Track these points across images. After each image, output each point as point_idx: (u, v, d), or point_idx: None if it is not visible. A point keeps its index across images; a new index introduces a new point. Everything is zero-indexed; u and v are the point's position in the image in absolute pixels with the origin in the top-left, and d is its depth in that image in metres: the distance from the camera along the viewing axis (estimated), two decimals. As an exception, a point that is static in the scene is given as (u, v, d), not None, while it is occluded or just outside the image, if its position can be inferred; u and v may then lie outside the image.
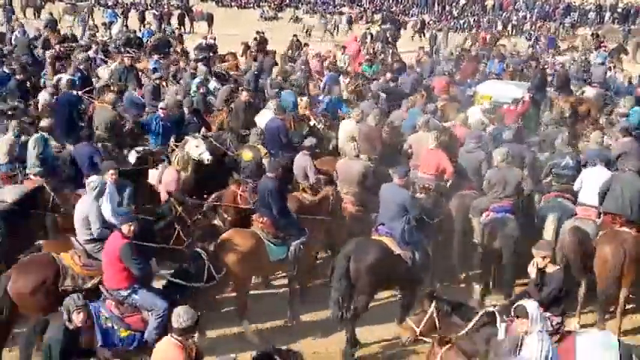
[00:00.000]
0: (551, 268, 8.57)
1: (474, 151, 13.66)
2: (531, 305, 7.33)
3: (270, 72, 24.26)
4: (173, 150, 14.27)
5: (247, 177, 12.85)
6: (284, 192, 11.65)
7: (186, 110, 15.84)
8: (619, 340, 8.40)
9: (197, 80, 19.56)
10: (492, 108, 18.63)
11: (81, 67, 19.62)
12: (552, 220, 12.18)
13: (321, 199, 12.32)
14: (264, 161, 13.39)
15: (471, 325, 8.38)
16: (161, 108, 14.80)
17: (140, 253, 9.05)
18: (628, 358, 8.05)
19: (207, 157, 13.52)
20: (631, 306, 12.03)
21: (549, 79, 24.30)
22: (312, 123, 17.10)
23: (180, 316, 7.38)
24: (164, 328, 8.56)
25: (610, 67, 28.08)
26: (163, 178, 12.44)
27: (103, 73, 21.13)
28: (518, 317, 7.29)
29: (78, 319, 7.71)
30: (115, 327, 8.69)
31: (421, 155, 13.62)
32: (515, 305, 7.44)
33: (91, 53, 23.05)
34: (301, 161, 13.25)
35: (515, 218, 12.00)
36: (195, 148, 13.57)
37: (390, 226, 10.70)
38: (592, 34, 43.35)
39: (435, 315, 8.50)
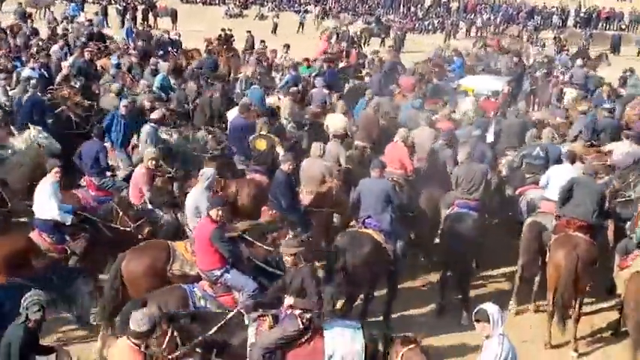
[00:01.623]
0: (299, 265, 8.45)
1: (442, 149, 14.14)
2: (492, 308, 7.22)
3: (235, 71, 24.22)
4: (134, 147, 14.14)
5: (258, 165, 13.39)
6: (293, 186, 11.86)
7: (147, 105, 15.70)
8: (362, 325, 8.64)
9: (160, 77, 19.41)
10: (475, 100, 19.79)
11: (41, 61, 19.33)
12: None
13: (324, 191, 12.60)
14: (279, 149, 13.86)
15: (212, 330, 8.08)
16: (123, 105, 14.54)
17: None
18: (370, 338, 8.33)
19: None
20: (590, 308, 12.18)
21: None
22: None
23: (139, 319, 7.30)
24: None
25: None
26: (133, 177, 12.28)
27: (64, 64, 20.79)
28: (479, 321, 7.17)
29: (35, 316, 7.65)
30: (209, 305, 9.06)
31: (387, 149, 13.95)
32: (476, 309, 7.40)
33: (56, 47, 22.72)
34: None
35: (479, 216, 12.29)
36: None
37: (377, 218, 10.97)
38: (555, 37, 43.88)
39: (175, 334, 7.94)
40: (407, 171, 13.61)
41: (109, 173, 12.81)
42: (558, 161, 13.32)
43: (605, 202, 11.84)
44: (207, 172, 11.00)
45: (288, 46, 27.73)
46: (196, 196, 10.56)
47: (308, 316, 8.25)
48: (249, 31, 32.59)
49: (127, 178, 12.62)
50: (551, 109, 21.65)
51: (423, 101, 18.21)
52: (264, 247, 10.25)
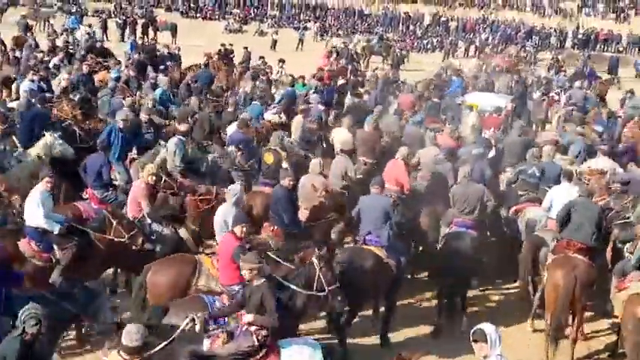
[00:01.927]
0: (258, 281, 8.36)
1: (441, 163, 14.42)
2: (489, 328, 7.12)
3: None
4: (132, 161, 14.11)
5: (266, 179, 13.48)
6: (295, 201, 11.91)
7: (144, 118, 15.73)
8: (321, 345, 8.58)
9: (159, 91, 19.38)
10: (475, 115, 19.91)
11: (41, 73, 19.34)
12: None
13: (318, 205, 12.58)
14: (284, 165, 13.97)
15: (163, 344, 7.85)
16: (122, 120, 14.42)
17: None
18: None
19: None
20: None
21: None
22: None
23: (133, 333, 7.08)
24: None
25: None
26: (132, 191, 12.25)
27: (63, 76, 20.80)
28: (476, 341, 7.04)
29: (32, 330, 7.56)
30: (227, 319, 8.95)
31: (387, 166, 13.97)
32: (473, 329, 7.34)
33: (56, 60, 22.75)
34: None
35: (477, 235, 12.39)
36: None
37: (377, 233, 11.07)
38: (552, 58, 44.02)
39: None
40: (403, 189, 13.60)
41: (111, 188, 12.86)
42: (557, 180, 13.41)
43: (603, 224, 11.83)
44: (235, 188, 11.15)
45: (283, 61, 27.79)
46: (225, 212, 10.64)
47: (264, 333, 8.15)
48: (246, 47, 32.73)
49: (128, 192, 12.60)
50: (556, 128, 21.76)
51: (424, 118, 18.44)
52: (289, 265, 10.08)
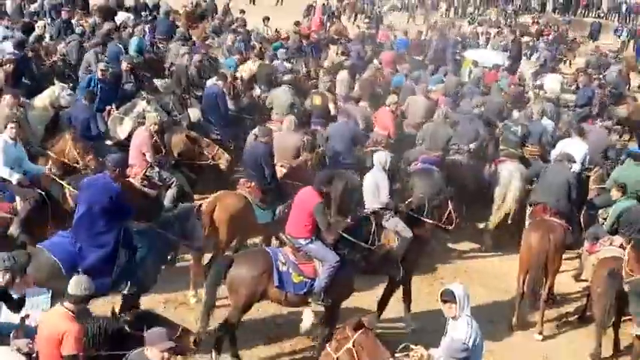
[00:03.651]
0: None
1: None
2: (459, 289, 7.21)
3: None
4: (109, 112, 13.92)
5: (317, 118, 14.92)
6: (273, 157, 11.88)
7: (124, 66, 15.56)
8: None
9: (135, 40, 19.00)
10: (480, 70, 22.49)
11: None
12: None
13: (300, 164, 12.75)
14: (331, 106, 15.63)
15: None
16: (100, 69, 14.24)
17: None
18: None
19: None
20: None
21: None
22: (257, 92, 17.03)
23: (82, 283, 6.98)
24: (331, 279, 9.32)
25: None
26: (133, 140, 12.18)
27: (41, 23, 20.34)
28: (446, 302, 7.14)
29: (3, 279, 7.47)
30: (291, 271, 9.30)
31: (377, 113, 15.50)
32: (442, 289, 7.39)
33: (35, 6, 22.30)
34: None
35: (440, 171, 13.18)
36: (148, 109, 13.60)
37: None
38: (532, 23, 43.83)
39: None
40: (390, 134, 14.74)
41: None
42: (540, 139, 14.78)
43: (574, 190, 11.87)
44: (382, 155, 11.25)
45: (267, 19, 27.43)
46: (377, 177, 10.86)
47: None
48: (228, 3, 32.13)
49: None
50: None
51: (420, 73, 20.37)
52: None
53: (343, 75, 18.44)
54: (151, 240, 9.38)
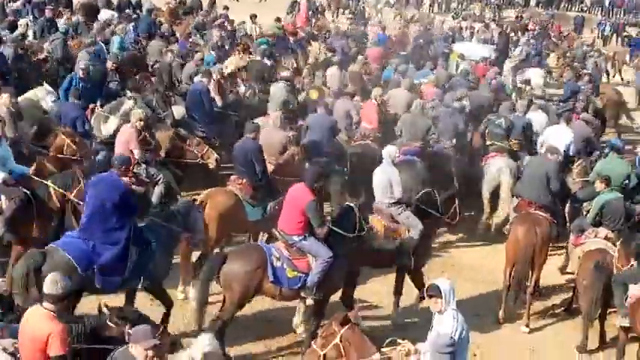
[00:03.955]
0: None
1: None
2: (444, 283, 7.20)
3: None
4: (93, 110, 13.84)
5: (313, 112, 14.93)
6: (262, 152, 11.84)
7: (109, 65, 15.51)
8: None
9: (117, 39, 18.92)
10: (467, 62, 23.02)
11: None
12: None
13: (287, 159, 12.75)
14: (328, 100, 15.70)
15: None
16: (81, 68, 14.20)
17: None
18: None
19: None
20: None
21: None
22: (241, 89, 16.97)
23: (57, 282, 6.83)
24: (324, 275, 9.40)
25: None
26: (119, 137, 12.18)
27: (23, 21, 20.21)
28: (431, 296, 7.12)
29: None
30: (285, 267, 9.37)
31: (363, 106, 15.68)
32: (427, 284, 7.38)
33: (18, 4, 22.16)
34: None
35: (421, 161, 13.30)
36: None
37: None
38: (516, 17, 43.89)
39: None
40: (373, 125, 14.90)
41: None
42: (522, 132, 14.87)
43: (553, 181, 11.88)
44: (392, 150, 11.34)
45: (255, 16, 27.27)
46: (388, 172, 10.92)
47: None
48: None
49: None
50: None
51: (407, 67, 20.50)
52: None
53: (333, 70, 18.72)
54: (157, 234, 9.50)
